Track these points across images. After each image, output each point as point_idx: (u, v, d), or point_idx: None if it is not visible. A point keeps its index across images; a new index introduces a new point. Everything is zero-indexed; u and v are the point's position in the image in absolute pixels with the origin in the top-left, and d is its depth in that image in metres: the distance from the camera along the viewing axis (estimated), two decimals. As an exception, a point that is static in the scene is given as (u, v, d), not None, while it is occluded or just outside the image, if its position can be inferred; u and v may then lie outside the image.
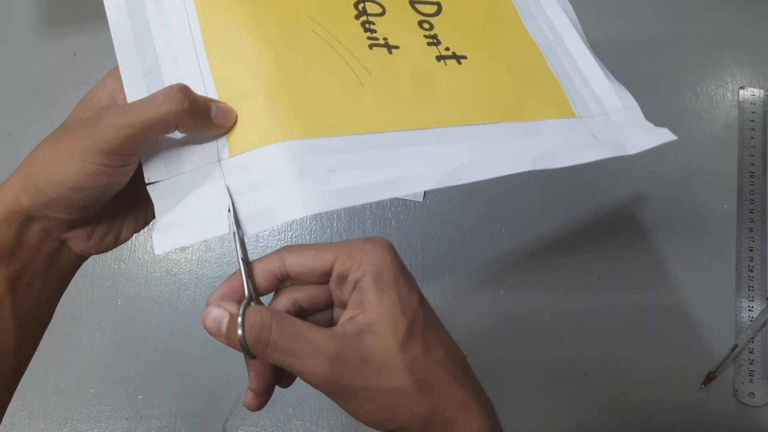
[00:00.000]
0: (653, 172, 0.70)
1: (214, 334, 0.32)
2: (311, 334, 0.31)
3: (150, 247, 0.69)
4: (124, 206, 0.39)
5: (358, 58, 0.40)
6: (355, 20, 0.42)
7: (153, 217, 0.40)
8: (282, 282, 0.34)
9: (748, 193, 0.70)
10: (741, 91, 0.74)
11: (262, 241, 0.69)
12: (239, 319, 0.31)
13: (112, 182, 0.34)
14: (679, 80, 0.75)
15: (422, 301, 0.33)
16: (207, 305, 0.33)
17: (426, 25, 0.44)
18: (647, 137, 0.44)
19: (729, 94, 0.75)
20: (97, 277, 0.68)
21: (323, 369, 0.31)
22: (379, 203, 0.70)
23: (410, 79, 0.40)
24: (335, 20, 0.41)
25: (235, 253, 0.33)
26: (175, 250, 0.68)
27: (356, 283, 0.32)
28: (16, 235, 0.34)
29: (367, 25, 0.42)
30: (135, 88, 0.36)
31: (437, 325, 0.34)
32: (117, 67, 0.37)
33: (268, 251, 0.34)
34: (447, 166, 0.37)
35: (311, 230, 0.70)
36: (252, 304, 0.32)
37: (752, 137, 0.72)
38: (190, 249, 0.69)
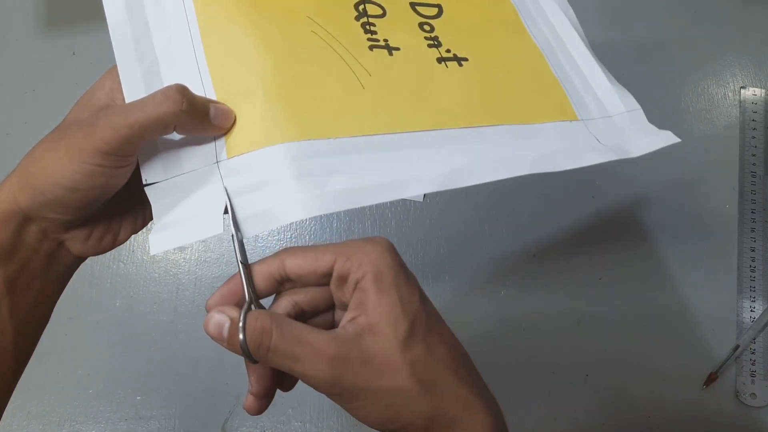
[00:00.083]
0: (654, 172, 0.70)
1: (216, 339, 0.32)
2: (312, 336, 0.31)
3: (149, 247, 0.69)
4: (123, 207, 0.39)
5: (358, 59, 0.39)
6: (355, 21, 0.42)
7: (151, 218, 0.40)
8: (282, 284, 0.34)
9: (749, 193, 0.69)
10: (742, 91, 0.74)
11: (261, 241, 0.69)
12: (240, 324, 0.31)
13: (109, 183, 0.33)
14: (680, 80, 0.75)
15: (424, 300, 0.33)
16: (207, 308, 0.33)
17: (427, 27, 0.44)
18: (650, 140, 0.44)
19: (730, 94, 0.74)
20: (96, 278, 0.68)
21: (324, 371, 0.30)
22: (379, 203, 0.70)
23: (410, 80, 0.40)
24: (335, 21, 0.41)
25: (234, 254, 0.33)
26: (174, 250, 0.68)
27: (357, 283, 0.32)
28: (14, 236, 0.34)
29: (367, 27, 0.42)
30: (133, 88, 0.36)
31: (439, 324, 0.34)
32: (115, 66, 0.37)
33: (267, 252, 0.34)
34: (447, 169, 0.37)
35: (311, 231, 0.69)
36: (252, 307, 0.32)
37: (753, 137, 0.72)
38: (189, 249, 0.69)
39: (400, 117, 0.38)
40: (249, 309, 0.31)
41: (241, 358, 0.32)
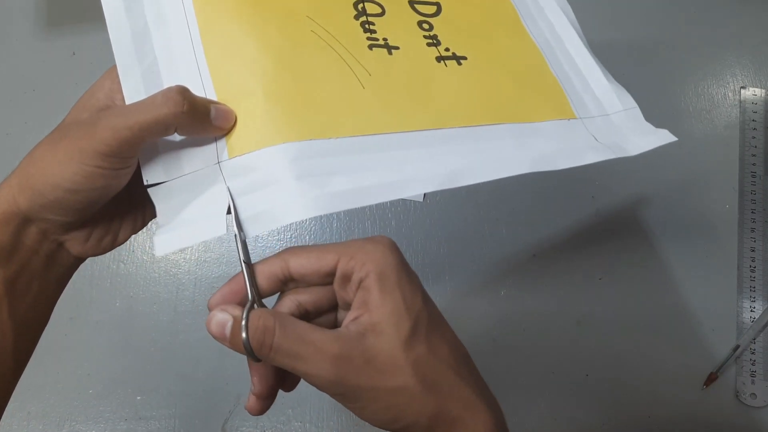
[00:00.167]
0: (654, 172, 0.70)
1: (219, 338, 0.32)
2: (315, 335, 0.31)
3: (149, 247, 0.69)
4: (122, 208, 0.39)
5: (357, 59, 0.39)
6: (354, 20, 0.41)
7: (150, 218, 0.40)
8: (285, 284, 0.34)
9: (749, 193, 0.69)
10: (742, 91, 0.74)
11: (261, 241, 0.69)
12: (243, 323, 0.31)
13: (110, 184, 0.33)
14: (680, 80, 0.75)
15: (426, 300, 0.33)
16: (208, 307, 0.33)
17: (426, 26, 0.44)
18: (647, 139, 0.44)
19: (730, 94, 0.74)
20: (96, 278, 0.68)
21: (328, 370, 0.30)
22: (378, 203, 0.70)
23: (410, 80, 0.40)
24: (334, 20, 0.41)
25: (235, 254, 0.33)
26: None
27: (360, 282, 0.32)
28: (13, 237, 0.34)
29: (366, 26, 0.41)
30: (133, 89, 0.36)
31: (441, 324, 0.34)
32: (114, 66, 0.36)
33: (268, 252, 0.34)
34: (447, 169, 0.37)
35: (311, 231, 0.69)
36: (255, 306, 0.32)
37: (754, 137, 0.72)
38: (189, 249, 0.69)
39: (400, 116, 0.38)
40: (252, 308, 0.31)
41: (242, 359, 0.32)
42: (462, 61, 0.43)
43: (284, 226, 0.69)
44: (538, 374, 0.64)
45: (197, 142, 0.35)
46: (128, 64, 0.36)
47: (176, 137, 0.35)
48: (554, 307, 0.66)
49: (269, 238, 0.69)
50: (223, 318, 0.31)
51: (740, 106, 0.74)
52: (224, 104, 0.36)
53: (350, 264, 0.32)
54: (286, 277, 0.33)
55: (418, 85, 0.40)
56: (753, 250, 0.67)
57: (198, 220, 0.34)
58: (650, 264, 0.67)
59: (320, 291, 0.34)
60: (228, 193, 0.34)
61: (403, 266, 0.33)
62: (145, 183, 0.35)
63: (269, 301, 0.34)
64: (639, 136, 0.44)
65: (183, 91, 0.33)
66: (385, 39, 0.41)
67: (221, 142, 0.35)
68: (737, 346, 0.63)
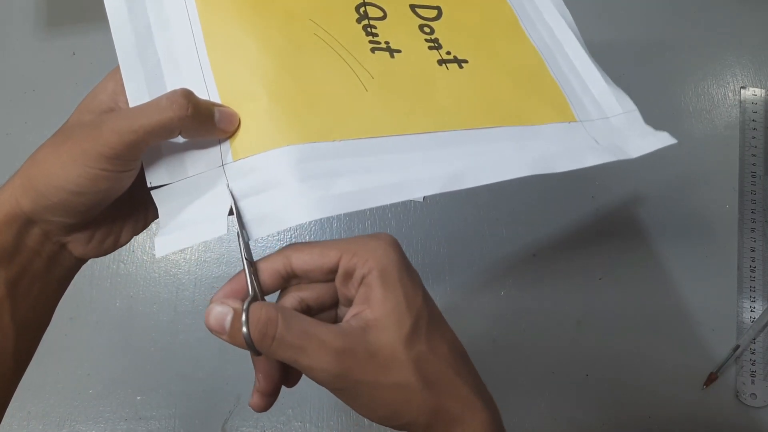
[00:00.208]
0: (654, 172, 0.70)
1: (217, 331, 0.32)
2: (318, 329, 0.31)
3: (149, 247, 0.69)
4: (124, 210, 0.39)
5: (360, 62, 0.39)
6: (356, 24, 0.42)
7: (153, 219, 0.40)
8: (287, 281, 0.34)
9: (749, 193, 0.69)
10: (742, 91, 0.74)
11: (261, 240, 0.69)
12: (243, 315, 0.31)
13: (113, 187, 0.33)
14: (680, 80, 0.75)
15: (426, 298, 0.34)
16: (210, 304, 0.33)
17: (427, 29, 0.44)
18: (647, 141, 0.44)
19: (730, 94, 0.74)
20: (96, 278, 0.68)
21: (331, 364, 0.31)
22: (379, 203, 0.70)
23: (412, 83, 0.40)
24: (337, 23, 0.41)
25: (236, 254, 0.33)
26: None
27: (362, 279, 0.32)
28: (15, 239, 0.34)
29: (368, 29, 0.42)
30: (136, 91, 0.36)
31: (441, 322, 0.34)
32: (118, 68, 0.36)
33: (268, 251, 0.34)
34: (449, 171, 0.37)
35: (311, 230, 0.69)
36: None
37: (754, 137, 0.72)
38: (189, 249, 0.69)
39: (403, 119, 0.38)
40: (253, 301, 0.31)
41: (242, 359, 0.32)
42: (463, 64, 0.43)
43: (284, 226, 0.69)
44: (538, 374, 0.64)
45: (201, 145, 0.35)
46: (131, 66, 0.36)
47: (180, 140, 0.35)
48: (554, 307, 0.66)
49: (269, 238, 0.69)
50: (222, 311, 0.31)
51: (740, 106, 0.74)
52: (228, 107, 0.36)
53: (353, 261, 0.33)
54: (288, 273, 0.34)
55: (420, 88, 0.40)
56: (753, 250, 0.67)
57: (200, 221, 0.34)
58: (650, 264, 0.67)
59: (322, 287, 0.35)
60: (230, 194, 0.34)
61: (405, 264, 0.33)
62: (149, 185, 0.35)
63: (270, 299, 0.34)
64: (639, 139, 0.44)
65: (187, 95, 0.33)
66: (387, 42, 0.41)
67: (225, 145, 0.35)
68: (737, 346, 0.63)
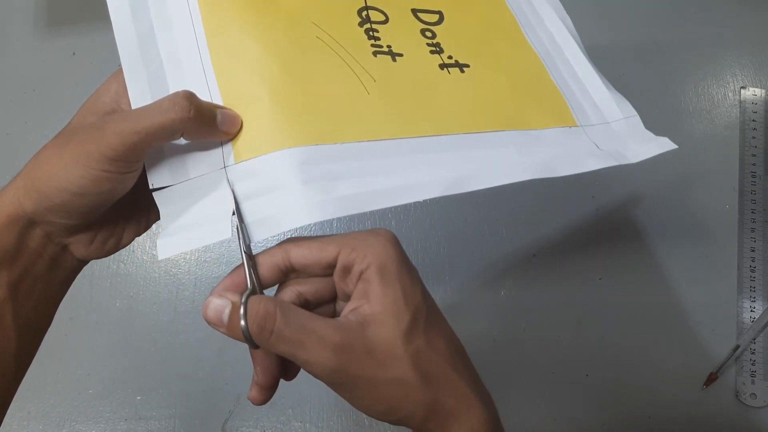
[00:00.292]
0: (654, 172, 0.70)
1: (215, 324, 0.32)
2: (316, 324, 0.31)
3: (149, 247, 0.69)
4: (126, 211, 0.39)
5: (362, 65, 0.40)
6: (358, 27, 0.42)
7: (154, 221, 0.40)
8: (286, 275, 0.34)
9: (749, 193, 0.69)
10: (742, 91, 0.74)
11: (261, 240, 0.69)
12: (242, 309, 0.31)
13: (115, 188, 0.33)
14: (680, 80, 0.75)
15: (425, 294, 0.34)
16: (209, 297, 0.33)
17: (429, 34, 0.44)
18: (648, 146, 0.44)
19: (730, 94, 0.74)
20: (96, 278, 0.67)
21: (329, 359, 0.31)
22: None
23: (414, 86, 0.41)
24: (339, 27, 0.41)
25: (236, 254, 0.33)
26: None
27: (361, 274, 0.33)
28: (17, 240, 0.34)
29: (370, 33, 0.42)
30: (139, 93, 0.36)
31: (439, 318, 0.34)
32: (120, 70, 0.36)
33: (267, 245, 0.34)
34: (451, 175, 0.37)
35: (311, 230, 0.69)
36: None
37: (754, 137, 0.72)
38: (190, 250, 0.69)
39: (405, 122, 0.38)
40: (252, 295, 0.31)
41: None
42: (465, 68, 0.43)
43: (284, 226, 0.69)
44: (538, 374, 0.64)
45: (203, 147, 0.36)
46: (134, 67, 0.36)
47: (182, 141, 0.35)
48: (554, 306, 0.66)
49: (269, 238, 0.69)
50: (221, 303, 0.32)
51: (740, 106, 0.74)
52: (230, 109, 0.36)
53: (351, 256, 0.33)
54: (287, 267, 0.34)
55: (422, 92, 0.40)
56: (753, 250, 0.67)
57: (202, 223, 0.34)
58: (650, 264, 0.67)
59: (320, 282, 0.35)
60: (233, 195, 0.34)
61: (404, 259, 0.33)
62: (151, 187, 0.35)
63: (268, 294, 0.34)
64: (639, 144, 0.44)
65: (190, 96, 0.33)
66: (389, 46, 0.42)
67: (227, 147, 0.36)
68: (737, 346, 0.63)
